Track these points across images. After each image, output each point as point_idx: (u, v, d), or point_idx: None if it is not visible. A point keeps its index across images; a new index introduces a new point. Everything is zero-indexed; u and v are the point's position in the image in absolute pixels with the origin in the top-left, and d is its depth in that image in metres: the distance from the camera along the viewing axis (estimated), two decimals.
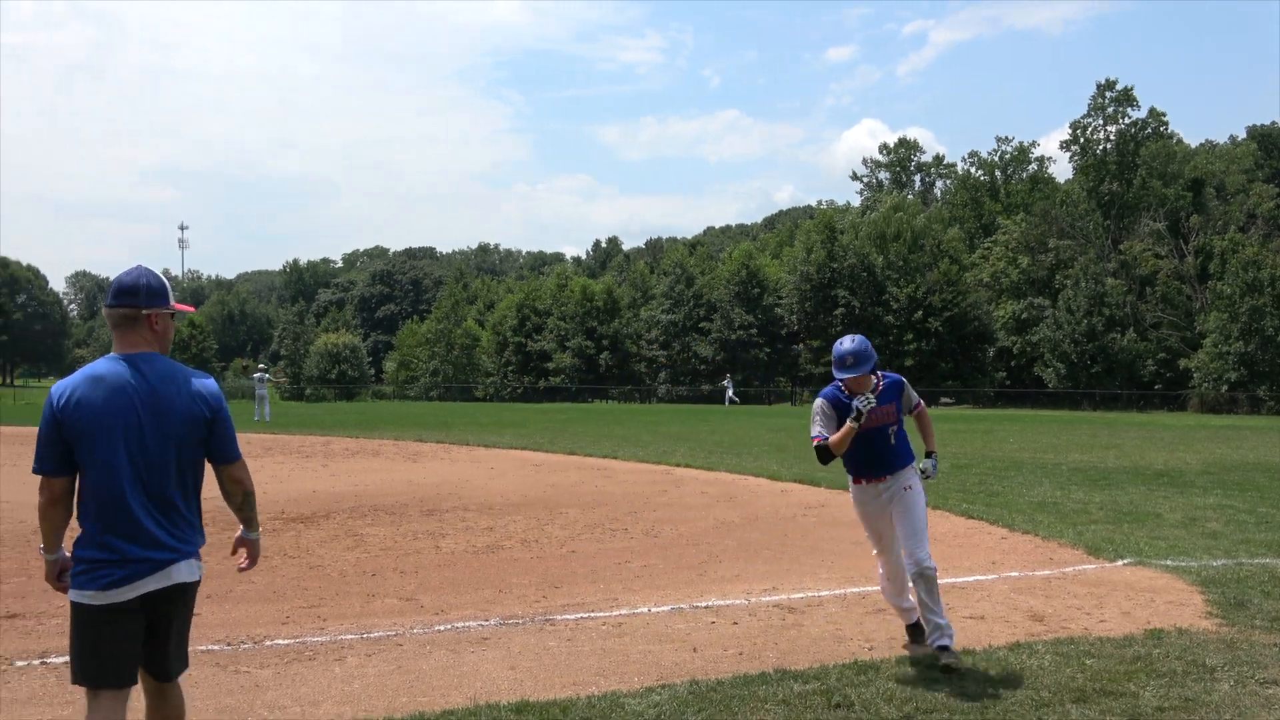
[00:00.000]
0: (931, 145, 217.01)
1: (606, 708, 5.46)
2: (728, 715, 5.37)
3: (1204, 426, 37.06)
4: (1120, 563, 9.58)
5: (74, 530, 4.00)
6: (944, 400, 64.23)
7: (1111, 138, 70.40)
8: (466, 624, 7.33)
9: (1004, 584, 8.76)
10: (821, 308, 69.40)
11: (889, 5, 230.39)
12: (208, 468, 4.20)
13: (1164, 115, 70.64)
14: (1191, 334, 60.90)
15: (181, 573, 4.00)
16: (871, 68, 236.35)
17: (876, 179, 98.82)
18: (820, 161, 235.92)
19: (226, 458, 4.20)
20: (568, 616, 7.58)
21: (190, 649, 4.32)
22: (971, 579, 8.93)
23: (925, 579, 6.29)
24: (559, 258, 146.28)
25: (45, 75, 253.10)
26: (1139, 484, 15.96)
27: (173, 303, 4.20)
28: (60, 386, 4.01)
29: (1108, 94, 69.91)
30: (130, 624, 3.92)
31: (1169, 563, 9.49)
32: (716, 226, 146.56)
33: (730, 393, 62.20)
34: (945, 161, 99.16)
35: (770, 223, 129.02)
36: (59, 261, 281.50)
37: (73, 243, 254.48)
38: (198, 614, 4.27)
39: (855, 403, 6.34)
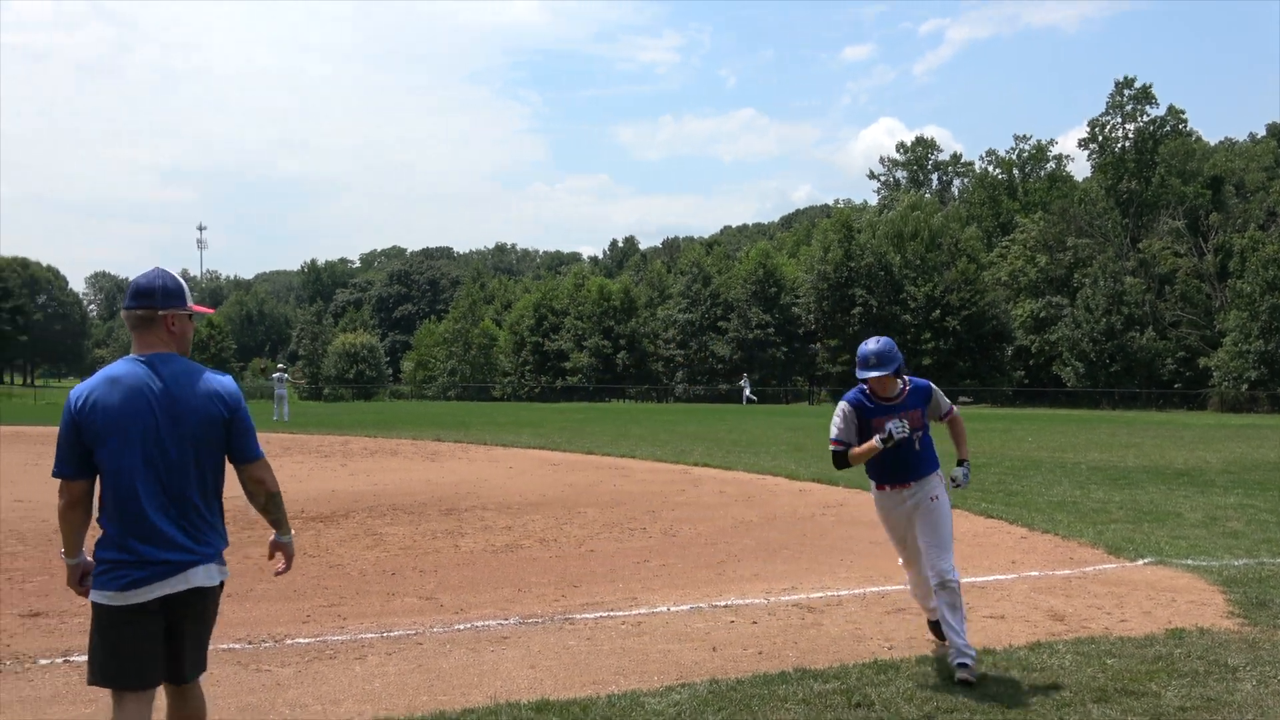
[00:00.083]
0: (949, 144, 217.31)
1: (627, 706, 5.46)
2: (748, 714, 5.36)
3: (1224, 425, 36.85)
4: (1141, 562, 9.54)
5: (96, 532, 4.01)
6: (962, 399, 63.98)
7: (1130, 135, 70.06)
8: (486, 623, 7.34)
9: (1024, 583, 8.73)
10: (839, 307, 69.32)
11: (906, 4, 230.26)
12: (230, 469, 4.18)
13: (1183, 113, 70.43)
14: (1211, 333, 60.58)
15: (198, 577, 3.96)
16: (888, 66, 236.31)
17: (894, 178, 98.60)
18: (837, 160, 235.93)
19: (246, 457, 4.15)
20: (587, 615, 7.59)
21: (211, 648, 4.30)
22: (991, 578, 8.91)
23: (948, 591, 6.10)
24: (576, 257, 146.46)
25: (63, 76, 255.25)
26: (1159, 483, 15.88)
27: (190, 304, 4.18)
28: (78, 389, 4.00)
29: (1126, 92, 69.58)
30: (149, 625, 3.90)
31: (1190, 562, 9.44)
32: (733, 226, 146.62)
33: (748, 392, 62.13)
34: (963, 160, 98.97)
35: (787, 222, 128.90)
36: (78, 262, 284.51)
37: (92, 243, 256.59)
38: (219, 612, 4.27)
39: (890, 426, 6.14)
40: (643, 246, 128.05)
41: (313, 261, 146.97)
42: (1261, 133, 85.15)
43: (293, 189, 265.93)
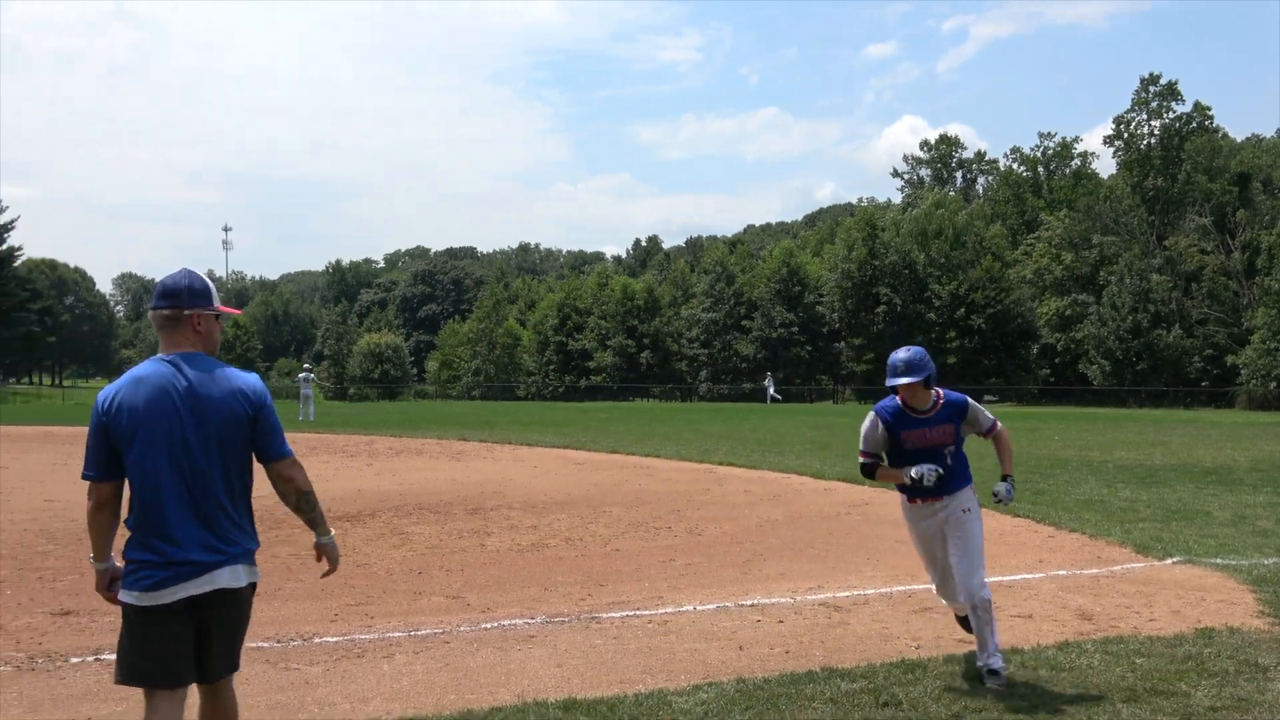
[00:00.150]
0: (973, 141, 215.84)
1: (654, 705, 5.47)
2: (775, 713, 5.36)
3: (1252, 424, 36.57)
4: (1169, 561, 9.49)
5: (125, 533, 4.03)
6: (987, 398, 63.67)
7: (1156, 132, 69.46)
8: (513, 622, 7.37)
9: (1052, 582, 8.69)
10: (863, 305, 69.12)
11: (929, 1, 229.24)
12: (260, 469, 4.15)
13: (1209, 109, 69.70)
14: (1239, 330, 59.99)
15: (224, 578, 3.93)
16: (912, 64, 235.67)
17: (917, 176, 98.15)
18: (861, 159, 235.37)
19: (273, 455, 4.11)
20: (613, 614, 7.61)
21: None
22: (1019, 578, 8.87)
23: (978, 610, 6.00)
24: (599, 257, 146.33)
25: (90, 79, 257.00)
26: (1187, 482, 15.78)
27: (216, 304, 4.18)
28: (105, 391, 4.01)
29: (1151, 88, 68.97)
30: (177, 626, 3.89)
31: (1219, 561, 9.39)
32: (757, 225, 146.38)
33: (771, 391, 61.99)
34: (987, 158, 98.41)
35: (811, 220, 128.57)
36: (106, 263, 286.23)
37: (119, 245, 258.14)
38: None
39: (924, 471, 6.06)
40: (666, 246, 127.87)
41: (337, 262, 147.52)
42: None
43: (317, 190, 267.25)
